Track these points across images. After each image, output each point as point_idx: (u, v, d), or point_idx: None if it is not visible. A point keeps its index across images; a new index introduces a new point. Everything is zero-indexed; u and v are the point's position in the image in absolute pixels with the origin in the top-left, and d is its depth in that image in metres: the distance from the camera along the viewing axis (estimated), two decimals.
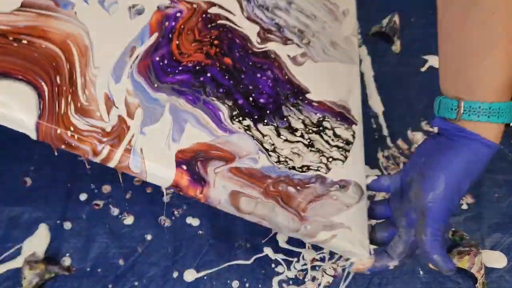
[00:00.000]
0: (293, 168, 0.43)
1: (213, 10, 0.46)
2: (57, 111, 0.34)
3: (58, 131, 0.33)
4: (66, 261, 0.48)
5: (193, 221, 0.51)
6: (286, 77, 0.48)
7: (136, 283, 0.47)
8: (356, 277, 0.48)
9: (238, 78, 0.45)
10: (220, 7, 0.47)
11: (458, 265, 0.46)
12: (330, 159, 0.45)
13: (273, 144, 0.43)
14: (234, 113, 0.42)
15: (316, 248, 0.49)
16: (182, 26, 0.43)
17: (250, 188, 0.39)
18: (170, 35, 0.43)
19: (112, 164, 0.35)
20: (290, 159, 0.43)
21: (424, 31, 0.63)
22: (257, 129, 0.43)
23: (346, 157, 0.46)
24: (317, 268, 0.48)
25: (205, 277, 0.47)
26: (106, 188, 0.52)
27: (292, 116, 0.46)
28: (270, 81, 0.46)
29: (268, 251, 0.49)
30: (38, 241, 0.49)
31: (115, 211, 0.51)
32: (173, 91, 0.40)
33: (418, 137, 0.56)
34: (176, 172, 0.36)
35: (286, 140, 0.44)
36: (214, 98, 0.42)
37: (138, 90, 0.38)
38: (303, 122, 0.46)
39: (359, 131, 0.49)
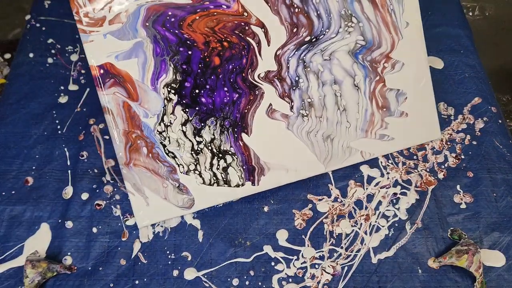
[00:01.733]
0: (164, 146, 0.48)
1: (255, 28, 0.46)
2: None
3: None
4: (68, 260, 0.49)
5: (194, 221, 0.51)
6: (245, 111, 0.48)
7: (137, 282, 0.47)
8: (355, 276, 0.48)
9: (207, 74, 0.47)
10: (265, 32, 0.46)
11: (457, 264, 0.47)
12: (197, 173, 0.49)
13: (171, 123, 0.48)
14: (173, 85, 0.47)
15: (316, 246, 0.49)
16: (214, 13, 0.46)
17: (121, 121, 0.46)
18: (198, 10, 0.45)
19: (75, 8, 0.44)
20: (169, 142, 0.48)
21: (424, 32, 0.64)
22: (174, 107, 0.47)
23: (210, 184, 0.50)
24: (316, 266, 0.48)
25: (205, 276, 0.48)
26: (108, 189, 0.53)
27: (210, 129, 0.48)
28: (227, 99, 0.48)
29: (268, 249, 0.49)
30: (40, 240, 0.50)
31: (116, 212, 0.52)
32: (153, 37, 0.46)
33: None
34: (96, 66, 0.45)
35: (183, 132, 0.48)
36: (172, 65, 0.46)
37: (133, 16, 0.45)
38: (212, 139, 0.49)
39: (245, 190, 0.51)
